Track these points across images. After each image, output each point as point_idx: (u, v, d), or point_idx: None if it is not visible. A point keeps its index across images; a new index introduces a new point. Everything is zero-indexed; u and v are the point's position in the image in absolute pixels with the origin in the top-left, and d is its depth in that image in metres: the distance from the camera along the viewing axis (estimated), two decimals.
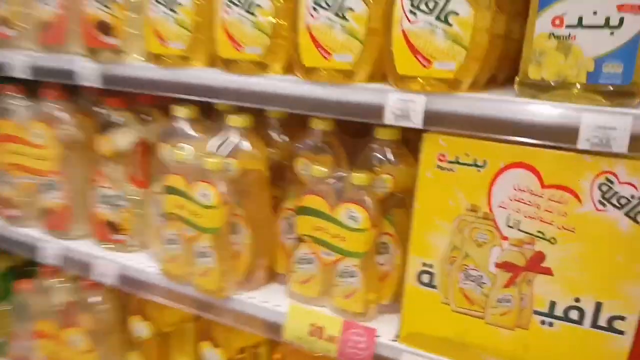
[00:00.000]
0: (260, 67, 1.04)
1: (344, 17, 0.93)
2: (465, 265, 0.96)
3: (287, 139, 1.29)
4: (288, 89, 1.01)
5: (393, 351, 1.04)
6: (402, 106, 0.92)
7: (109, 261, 1.33)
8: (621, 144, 0.79)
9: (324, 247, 1.11)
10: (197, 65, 1.12)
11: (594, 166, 0.83)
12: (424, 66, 0.89)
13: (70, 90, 1.38)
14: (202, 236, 1.15)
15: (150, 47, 1.14)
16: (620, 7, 0.77)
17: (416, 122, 0.91)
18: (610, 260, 0.85)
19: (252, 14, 1.01)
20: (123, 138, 1.31)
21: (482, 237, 0.94)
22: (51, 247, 1.40)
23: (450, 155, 0.93)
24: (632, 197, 0.82)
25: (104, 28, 1.17)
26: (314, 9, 0.95)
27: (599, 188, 0.84)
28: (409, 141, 1.09)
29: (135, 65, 1.18)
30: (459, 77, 0.88)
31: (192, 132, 1.23)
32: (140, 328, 1.38)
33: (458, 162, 0.92)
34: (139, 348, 1.41)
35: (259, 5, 1.00)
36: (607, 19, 0.78)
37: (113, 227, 1.36)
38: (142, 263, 1.33)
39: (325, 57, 0.96)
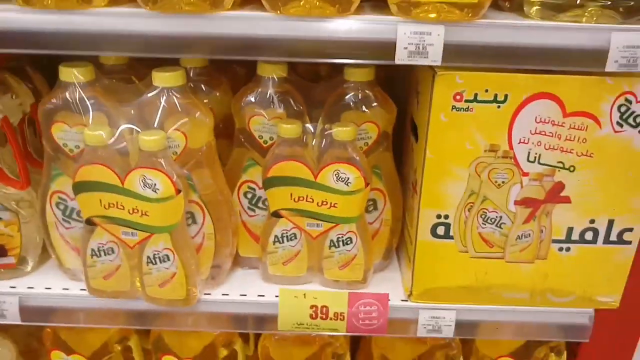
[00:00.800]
0: (210, 3, 0.76)
1: None
2: (484, 209, 0.90)
3: (218, 93, 1.03)
4: (265, 29, 0.76)
5: (409, 312, 0.97)
6: (418, 41, 0.77)
7: (3, 294, 0.97)
8: None
9: (311, 218, 0.94)
10: (102, 6, 0.78)
11: (616, 88, 0.81)
12: None
13: None
14: (156, 237, 0.88)
15: None
16: None
17: (435, 58, 0.78)
18: (622, 178, 0.87)
19: None
20: None
21: (502, 177, 0.88)
22: None
23: (468, 93, 0.82)
24: None
25: None
26: None
27: (618, 109, 0.83)
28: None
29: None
30: (481, 2, 0.75)
31: (90, 103, 0.88)
32: None
33: (476, 100, 0.82)
34: None
35: None
36: None
37: None
38: (51, 286, 0.99)
39: None
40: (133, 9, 0.78)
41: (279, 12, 0.76)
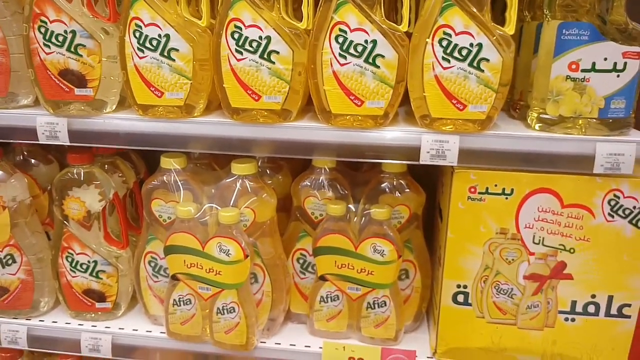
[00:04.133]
0: (278, 115, 1.07)
1: (374, 64, 1.01)
2: (497, 281, 1.13)
3: (280, 177, 1.34)
4: (319, 136, 1.06)
5: None
6: (438, 147, 1.04)
7: (100, 332, 1.27)
8: (629, 167, 1.01)
9: (351, 282, 1.20)
10: (198, 116, 1.11)
11: (604, 186, 1.04)
12: (459, 109, 1.01)
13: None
14: (225, 292, 1.16)
15: (140, 98, 1.09)
16: (624, 54, 0.97)
17: (451, 160, 1.04)
18: (618, 260, 1.08)
19: (270, 61, 1.03)
20: (94, 197, 1.23)
21: (512, 255, 1.11)
22: (17, 329, 1.28)
23: (481, 187, 1.07)
24: (634, 207, 1.05)
25: (73, 77, 1.09)
26: (341, 55, 1.01)
27: (609, 203, 1.05)
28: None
29: (125, 118, 1.11)
30: (491, 116, 1.02)
31: (181, 184, 1.20)
32: None
33: (488, 193, 1.08)
34: None
35: (276, 52, 1.02)
36: (615, 64, 0.97)
37: (95, 295, 1.28)
38: (138, 328, 1.29)
39: (356, 105, 1.03)
40: (221, 118, 1.10)
41: (330, 123, 1.06)
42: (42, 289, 1.31)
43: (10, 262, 1.27)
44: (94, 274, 1.26)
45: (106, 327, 1.29)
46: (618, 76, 0.98)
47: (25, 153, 1.36)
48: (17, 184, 1.25)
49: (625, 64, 0.97)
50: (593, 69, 0.98)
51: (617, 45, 0.96)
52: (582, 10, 0.96)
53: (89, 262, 1.26)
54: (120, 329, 1.29)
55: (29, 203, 1.28)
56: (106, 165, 1.30)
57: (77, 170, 1.22)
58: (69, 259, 1.26)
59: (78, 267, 1.26)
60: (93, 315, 1.31)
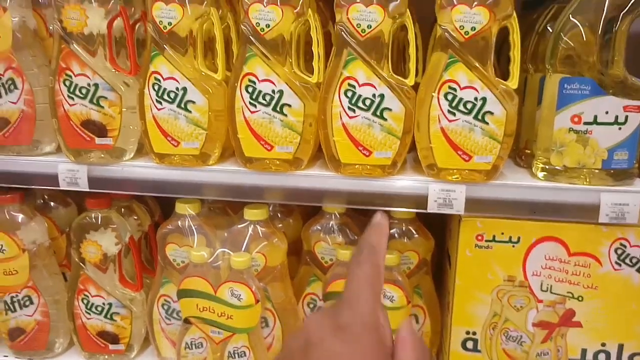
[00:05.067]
0: (290, 164, 1.12)
1: (382, 117, 1.06)
2: (506, 328, 1.15)
3: (291, 220, 1.38)
4: (329, 184, 1.11)
5: None
6: (445, 196, 1.08)
7: None
8: (634, 217, 1.03)
9: None
10: (213, 164, 1.17)
11: (610, 235, 1.07)
12: (465, 160, 1.05)
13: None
14: (237, 336, 1.19)
15: (157, 147, 1.15)
16: (625, 108, 1.01)
17: (458, 209, 1.08)
18: (627, 309, 1.10)
19: (283, 113, 1.08)
20: (111, 240, 1.28)
21: (520, 302, 1.14)
22: None
23: (488, 235, 1.11)
24: None
25: (94, 127, 1.15)
26: (350, 108, 1.06)
27: (615, 252, 1.08)
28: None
29: (143, 166, 1.17)
30: (496, 166, 1.06)
31: (195, 229, 1.25)
32: None
33: (495, 241, 1.11)
34: None
35: (288, 105, 1.08)
36: (616, 117, 1.01)
37: (109, 337, 1.32)
38: None
39: (365, 155, 1.08)
40: (235, 166, 1.15)
41: (339, 172, 1.11)
42: (57, 330, 1.35)
43: (27, 303, 1.31)
44: (108, 316, 1.31)
45: None
46: (620, 129, 1.02)
47: (46, 197, 1.42)
48: (37, 227, 1.30)
49: (626, 117, 1.01)
50: (595, 121, 1.02)
51: (618, 99, 1.00)
52: (583, 65, 1.01)
53: (103, 304, 1.30)
54: None
55: (47, 246, 1.33)
56: (122, 209, 1.35)
57: (94, 215, 1.28)
58: (85, 301, 1.30)
59: (93, 309, 1.30)
60: (106, 357, 1.35)
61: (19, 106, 1.19)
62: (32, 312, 1.32)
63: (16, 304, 1.31)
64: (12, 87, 1.17)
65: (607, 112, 1.01)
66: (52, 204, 1.43)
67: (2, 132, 1.20)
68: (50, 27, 1.24)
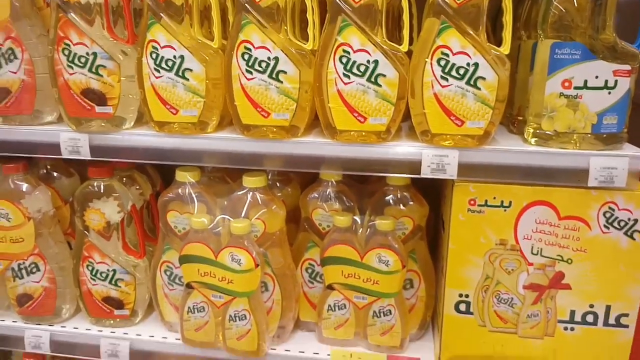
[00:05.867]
0: (287, 131, 1.15)
1: (376, 83, 1.08)
2: (497, 290, 1.19)
3: (289, 189, 1.41)
4: (325, 151, 1.13)
5: None
6: (438, 161, 1.10)
7: (118, 338, 1.35)
8: (622, 180, 1.06)
9: (357, 292, 1.26)
10: (210, 132, 1.19)
11: (599, 198, 1.10)
12: (457, 125, 1.08)
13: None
14: (237, 300, 1.23)
15: (156, 116, 1.17)
16: (615, 72, 1.03)
17: (451, 174, 1.11)
18: (615, 271, 1.13)
19: (279, 80, 1.11)
20: (113, 208, 1.32)
21: (511, 266, 1.17)
22: (40, 334, 1.37)
23: (480, 199, 1.13)
24: (629, 219, 1.10)
25: (94, 96, 1.18)
26: (344, 75, 1.09)
27: (604, 215, 1.11)
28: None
29: (143, 134, 1.20)
30: (488, 131, 1.08)
31: (195, 197, 1.28)
32: None
33: (487, 205, 1.14)
34: None
35: (284, 71, 1.10)
36: (606, 81, 1.03)
37: (114, 303, 1.37)
38: (154, 334, 1.37)
39: (360, 121, 1.11)
40: (233, 134, 1.18)
41: (335, 139, 1.13)
42: (64, 296, 1.40)
43: (34, 270, 1.36)
44: (113, 282, 1.35)
45: (124, 334, 1.37)
46: (609, 93, 1.04)
47: (48, 167, 1.46)
48: (41, 196, 1.34)
49: (616, 81, 1.03)
50: (585, 86, 1.04)
51: (608, 63, 1.02)
52: (574, 30, 1.03)
53: (108, 270, 1.34)
54: (137, 335, 1.37)
55: (52, 214, 1.37)
56: (124, 179, 1.39)
57: (97, 183, 1.31)
58: (90, 268, 1.34)
59: (98, 275, 1.34)
60: (112, 322, 1.39)
61: (19, 76, 1.21)
62: (39, 279, 1.36)
63: (23, 271, 1.36)
64: (11, 56, 1.20)
65: (597, 77, 1.03)
66: (54, 174, 1.46)
67: (4, 102, 1.23)
68: None
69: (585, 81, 1.04)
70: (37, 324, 1.40)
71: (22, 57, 1.20)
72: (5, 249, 1.34)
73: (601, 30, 1.02)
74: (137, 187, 1.41)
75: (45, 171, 1.45)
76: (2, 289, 1.41)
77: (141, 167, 1.47)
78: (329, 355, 1.29)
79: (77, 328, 1.40)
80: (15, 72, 1.21)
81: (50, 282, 1.37)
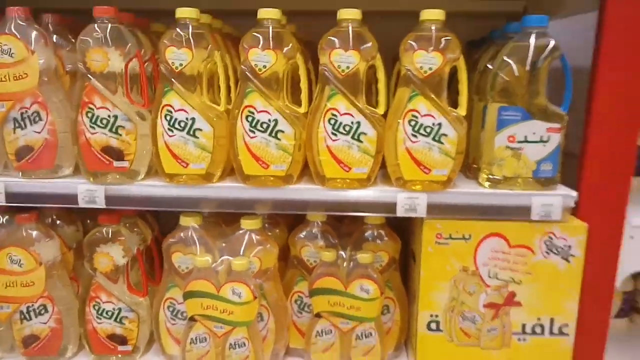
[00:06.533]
0: (283, 180, 1.35)
1: (359, 140, 1.30)
2: (462, 310, 1.41)
3: (278, 230, 1.60)
4: (316, 195, 1.34)
5: None
6: (410, 203, 1.33)
7: None
8: (557, 214, 1.32)
9: (342, 318, 1.45)
10: (216, 182, 1.37)
11: (541, 230, 1.35)
12: (426, 173, 1.31)
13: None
14: (237, 330, 1.39)
15: (167, 169, 1.35)
16: (548, 129, 1.30)
17: (421, 213, 1.33)
18: (556, 289, 1.38)
19: (277, 138, 1.31)
20: (120, 252, 1.46)
21: (472, 288, 1.40)
22: None
23: (445, 233, 1.37)
24: (564, 246, 1.35)
25: (113, 152, 1.34)
26: (333, 133, 1.31)
27: (545, 243, 1.36)
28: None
29: (151, 185, 1.37)
30: (450, 178, 1.32)
31: (197, 239, 1.45)
32: None
33: (451, 238, 1.37)
34: None
35: (282, 131, 1.31)
36: (541, 137, 1.30)
37: (118, 339, 1.48)
38: None
39: (345, 171, 1.32)
40: (234, 183, 1.37)
41: (324, 185, 1.34)
42: (69, 336, 1.50)
43: (42, 312, 1.46)
44: (118, 320, 1.47)
45: None
46: (544, 146, 1.31)
47: (54, 216, 1.58)
48: (51, 243, 1.46)
49: (549, 136, 1.30)
50: (526, 140, 1.31)
51: (542, 122, 1.29)
52: (515, 96, 1.30)
53: (114, 309, 1.47)
54: None
55: (60, 259, 1.49)
56: (127, 225, 1.53)
57: (106, 229, 1.45)
58: (96, 307, 1.47)
59: (104, 314, 1.47)
60: (114, 358, 1.51)
61: (43, 135, 1.36)
62: (47, 320, 1.47)
63: (32, 313, 1.46)
64: (37, 118, 1.35)
65: (534, 133, 1.30)
66: (58, 222, 1.59)
67: (26, 158, 1.37)
68: (68, 67, 1.43)
69: (526, 136, 1.30)
70: None
71: (47, 119, 1.35)
72: (15, 293, 1.44)
73: (535, 97, 1.29)
74: (140, 232, 1.55)
75: (50, 220, 1.57)
76: (7, 331, 1.50)
77: (142, 214, 1.61)
78: None
79: None
80: (39, 132, 1.35)
81: (57, 323, 1.48)
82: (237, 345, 1.40)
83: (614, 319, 1.89)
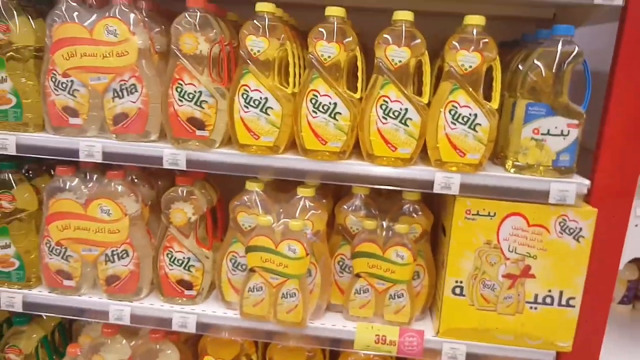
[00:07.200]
0: (338, 155, 1.58)
1: (406, 124, 1.53)
2: (483, 278, 1.62)
3: (325, 200, 1.83)
4: (365, 170, 1.57)
5: (437, 343, 1.66)
6: (446, 181, 1.55)
7: (188, 313, 1.71)
8: (572, 199, 1.53)
9: (379, 279, 1.68)
10: (282, 154, 1.61)
11: (556, 212, 1.56)
12: (461, 156, 1.53)
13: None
14: (290, 281, 1.62)
15: (241, 140, 1.59)
16: (568, 125, 1.51)
17: (454, 191, 1.55)
18: (566, 265, 1.59)
19: (335, 118, 1.54)
20: (191, 210, 1.70)
21: (494, 260, 1.61)
22: (125, 309, 1.72)
23: (473, 210, 1.58)
24: (576, 227, 1.56)
25: (196, 123, 1.58)
26: (383, 117, 1.53)
27: (559, 224, 1.57)
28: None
29: (226, 153, 1.61)
30: (482, 162, 1.54)
31: (260, 202, 1.69)
32: None
33: (478, 215, 1.58)
34: None
35: (339, 113, 1.54)
36: (562, 131, 1.51)
37: (184, 285, 1.73)
38: (216, 311, 1.74)
39: (392, 150, 1.55)
40: (296, 156, 1.60)
41: (373, 162, 1.57)
42: (144, 279, 1.75)
43: (124, 256, 1.71)
44: (186, 268, 1.72)
45: (191, 309, 1.74)
46: (564, 139, 1.52)
47: (134, 176, 1.83)
48: (134, 197, 1.71)
49: (569, 131, 1.51)
50: (548, 133, 1.52)
51: (564, 118, 1.50)
52: (541, 94, 1.51)
53: (184, 258, 1.72)
54: (202, 311, 1.74)
55: (140, 213, 1.74)
56: (198, 187, 1.78)
57: (181, 189, 1.70)
58: (169, 255, 1.72)
59: (175, 262, 1.72)
60: (180, 300, 1.76)
61: (137, 105, 1.61)
62: (127, 263, 1.72)
63: (115, 256, 1.71)
64: (133, 90, 1.60)
65: (556, 127, 1.51)
66: (137, 181, 1.84)
67: (121, 124, 1.62)
68: (157, 47, 1.68)
69: (548, 130, 1.52)
70: (119, 301, 1.75)
71: (141, 91, 1.60)
72: (103, 238, 1.69)
73: (559, 96, 1.50)
74: (207, 194, 1.80)
75: (130, 179, 1.83)
76: (92, 271, 1.76)
77: (208, 179, 1.86)
78: (354, 327, 1.69)
79: (152, 305, 1.75)
80: (134, 102, 1.60)
81: (136, 267, 1.73)
82: (288, 295, 1.64)
83: (618, 305, 2.10)
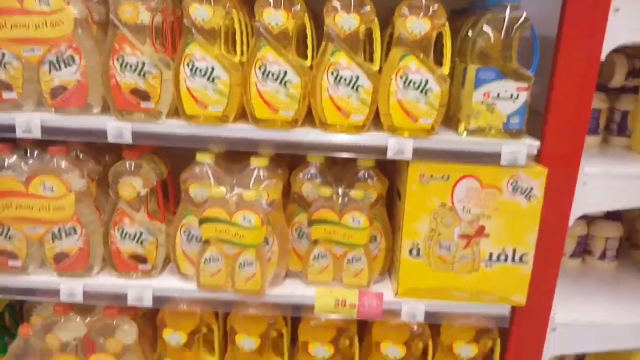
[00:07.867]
0: (290, 124, 1.75)
1: (357, 90, 1.70)
2: (439, 239, 1.86)
3: (280, 170, 2.01)
4: (319, 138, 1.75)
5: (396, 304, 1.91)
6: (399, 147, 1.74)
7: (143, 288, 1.90)
8: (522, 161, 1.75)
9: (336, 244, 1.89)
10: (232, 124, 1.77)
11: (508, 173, 1.79)
12: (413, 121, 1.72)
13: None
14: (246, 251, 1.82)
15: (188, 110, 1.73)
16: (517, 88, 1.71)
17: (407, 156, 1.75)
18: (518, 223, 1.83)
19: (285, 86, 1.70)
20: (140, 183, 1.85)
21: (449, 221, 1.84)
22: (77, 287, 1.89)
23: (427, 174, 1.79)
24: (527, 187, 1.80)
25: (140, 94, 1.72)
26: (334, 83, 1.70)
27: (511, 184, 1.80)
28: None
29: (173, 124, 1.76)
30: (434, 126, 1.74)
31: (211, 173, 1.86)
32: (174, 337, 1.97)
33: (432, 178, 1.80)
34: (172, 355, 2.00)
35: (290, 81, 1.70)
36: (512, 95, 1.72)
37: (138, 259, 1.91)
38: (172, 283, 1.93)
39: (344, 117, 1.72)
40: (246, 125, 1.76)
41: (325, 130, 1.75)
42: (94, 255, 1.92)
43: (72, 233, 1.87)
44: (139, 242, 1.89)
45: (146, 284, 1.92)
46: (514, 102, 1.73)
47: (78, 151, 1.96)
48: (79, 173, 1.85)
49: (518, 95, 1.72)
50: (498, 97, 1.72)
51: (513, 82, 1.70)
52: (491, 59, 1.70)
53: (135, 232, 1.88)
54: (159, 284, 1.92)
55: (86, 188, 1.88)
56: (146, 160, 1.92)
57: (129, 163, 1.85)
58: (120, 230, 1.88)
59: (127, 236, 1.88)
60: (135, 275, 1.93)
61: (76, 77, 1.72)
62: (76, 240, 1.88)
63: (62, 233, 1.86)
64: (70, 62, 1.71)
65: (506, 91, 1.72)
66: (81, 156, 1.97)
67: (60, 97, 1.74)
68: (95, 17, 1.78)
69: (498, 93, 1.72)
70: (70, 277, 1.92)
71: (80, 63, 1.71)
72: (48, 216, 1.84)
73: (508, 60, 1.70)
74: (156, 168, 1.95)
75: (74, 154, 1.95)
76: (38, 250, 1.91)
77: (155, 152, 2.00)
78: (314, 293, 1.91)
79: (106, 281, 1.93)
80: (73, 74, 1.72)
81: (85, 244, 1.89)
82: (245, 265, 1.84)
83: (569, 258, 2.39)
